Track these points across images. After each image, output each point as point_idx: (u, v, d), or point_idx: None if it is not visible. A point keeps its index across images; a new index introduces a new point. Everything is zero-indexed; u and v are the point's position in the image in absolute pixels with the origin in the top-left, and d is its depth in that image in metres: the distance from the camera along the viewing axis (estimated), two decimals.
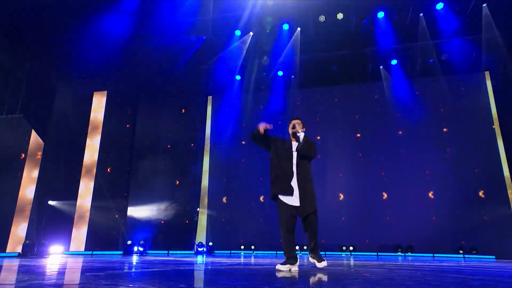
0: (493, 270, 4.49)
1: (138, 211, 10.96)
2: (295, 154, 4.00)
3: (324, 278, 3.06)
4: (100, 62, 9.46)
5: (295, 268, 3.80)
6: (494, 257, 9.33)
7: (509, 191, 9.99)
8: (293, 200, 3.81)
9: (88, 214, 10.29)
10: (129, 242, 10.06)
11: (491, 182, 10.11)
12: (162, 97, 12.38)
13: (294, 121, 4.20)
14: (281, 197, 3.86)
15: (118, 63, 10.02)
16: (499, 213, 9.75)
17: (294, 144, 4.10)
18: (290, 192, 3.81)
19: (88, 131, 10.93)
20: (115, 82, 10.93)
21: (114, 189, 10.58)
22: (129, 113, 11.46)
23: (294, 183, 3.85)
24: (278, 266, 3.75)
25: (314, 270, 3.91)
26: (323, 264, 3.90)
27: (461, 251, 9.71)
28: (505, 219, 9.61)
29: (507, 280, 3.06)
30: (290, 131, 4.15)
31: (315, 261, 3.93)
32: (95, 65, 9.30)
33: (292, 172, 3.89)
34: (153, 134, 11.82)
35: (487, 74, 11.10)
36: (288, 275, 3.24)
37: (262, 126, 4.02)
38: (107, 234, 10.16)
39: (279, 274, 3.49)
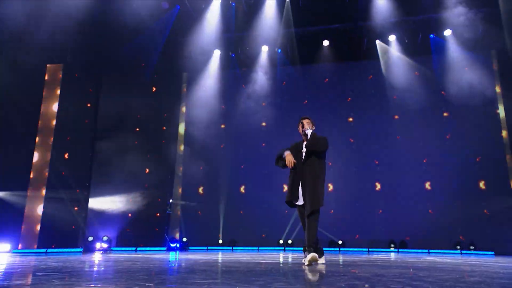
0: (491, 266, 4.67)
1: (102, 203, 10.80)
2: (304, 152, 4.56)
3: (309, 274, 3.10)
4: (53, 28, 9.07)
5: (322, 261, 4.49)
6: (493, 252, 9.72)
7: (511, 182, 10.35)
8: (300, 199, 4.51)
9: (41, 206, 10.04)
10: (90, 239, 9.94)
11: (493, 172, 10.44)
12: (130, 73, 12.09)
13: (303, 121, 4.70)
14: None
15: (76, 31, 9.65)
16: (500, 205, 10.11)
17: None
18: (296, 199, 4.52)
19: (41, 111, 10.57)
20: (73, 54, 10.57)
21: (73, 178, 10.36)
22: (90, 90, 11.14)
23: (299, 183, 4.50)
24: (306, 261, 4.30)
25: (299, 266, 3.97)
26: (306, 261, 4.19)
27: (458, 247, 10.08)
28: (506, 212, 9.97)
29: (505, 276, 3.18)
30: (300, 130, 4.68)
31: (307, 256, 4.29)
32: (47, 32, 8.91)
33: (302, 171, 4.49)
34: (119, 115, 11.56)
35: (493, 53, 11.30)
36: (311, 269, 3.27)
37: (290, 163, 4.53)
38: (65, 229, 9.99)
39: (304, 267, 3.89)
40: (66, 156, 10.46)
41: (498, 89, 11.06)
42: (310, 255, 4.13)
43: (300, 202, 4.48)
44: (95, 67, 11.22)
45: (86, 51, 10.75)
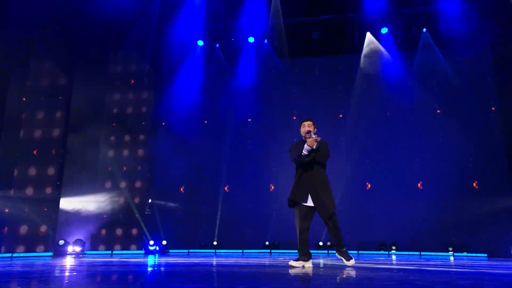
0: (483, 269, 4.78)
1: (74, 203, 10.65)
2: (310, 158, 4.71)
3: (298, 278, 3.12)
4: (22, 15, 8.86)
5: (308, 265, 4.56)
6: (486, 255, 9.94)
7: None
8: (308, 201, 4.65)
9: (7, 207, 9.84)
10: (61, 242, 9.80)
11: (487, 172, 10.65)
12: (105, 64, 11.91)
13: (305, 123, 4.84)
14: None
15: (47, 18, 9.45)
16: (494, 206, 10.31)
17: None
18: (305, 199, 4.64)
19: (7, 104, 10.32)
20: (44, 42, 10.35)
21: (43, 176, 10.17)
22: (62, 82, 10.92)
23: (308, 186, 4.67)
24: (291, 262, 4.58)
25: (285, 269, 3.99)
26: (351, 262, 4.64)
27: (450, 249, 10.27)
28: (500, 213, 10.17)
29: (497, 279, 3.25)
30: (303, 135, 4.79)
31: (342, 258, 4.72)
32: (14, 18, 8.70)
33: (307, 175, 4.72)
34: (93, 109, 11.40)
35: (490, 49, 11.46)
36: (299, 272, 3.32)
37: (313, 142, 4.57)
38: (33, 232, 9.81)
39: (292, 270, 3.91)
40: (35, 152, 10.25)
41: (493, 86, 11.26)
42: (353, 261, 4.63)
43: (310, 203, 4.64)
44: (67, 57, 11.01)
45: (57, 40, 10.54)
